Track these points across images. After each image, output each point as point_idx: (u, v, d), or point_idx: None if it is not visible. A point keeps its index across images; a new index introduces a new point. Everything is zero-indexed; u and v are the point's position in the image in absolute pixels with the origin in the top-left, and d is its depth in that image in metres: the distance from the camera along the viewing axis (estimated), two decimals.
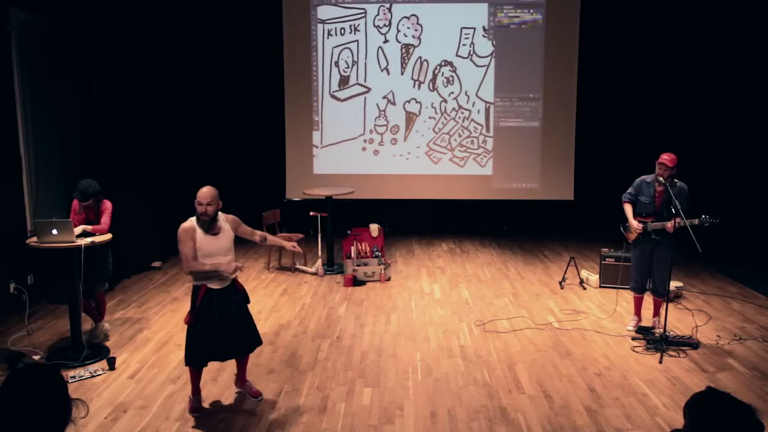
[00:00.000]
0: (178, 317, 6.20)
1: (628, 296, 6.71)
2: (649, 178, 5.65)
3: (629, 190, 5.77)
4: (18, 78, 6.60)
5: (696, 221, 5.31)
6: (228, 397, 4.51)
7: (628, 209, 5.72)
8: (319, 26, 9.82)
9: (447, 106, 9.92)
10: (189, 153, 9.04)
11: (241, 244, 9.29)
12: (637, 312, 5.95)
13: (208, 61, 9.55)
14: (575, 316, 6.21)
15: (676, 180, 5.50)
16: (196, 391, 4.37)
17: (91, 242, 5.14)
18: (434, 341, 5.58)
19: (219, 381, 4.77)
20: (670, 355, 5.19)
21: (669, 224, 5.41)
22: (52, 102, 7.08)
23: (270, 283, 7.41)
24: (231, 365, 5.08)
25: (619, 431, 4.04)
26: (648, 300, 5.93)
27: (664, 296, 5.57)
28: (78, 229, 5.23)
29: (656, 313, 5.80)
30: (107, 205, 5.48)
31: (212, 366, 5.03)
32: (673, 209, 5.27)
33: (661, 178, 5.40)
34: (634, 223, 5.63)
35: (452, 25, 9.76)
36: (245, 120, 10.06)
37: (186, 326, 4.27)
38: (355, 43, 9.84)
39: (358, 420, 4.19)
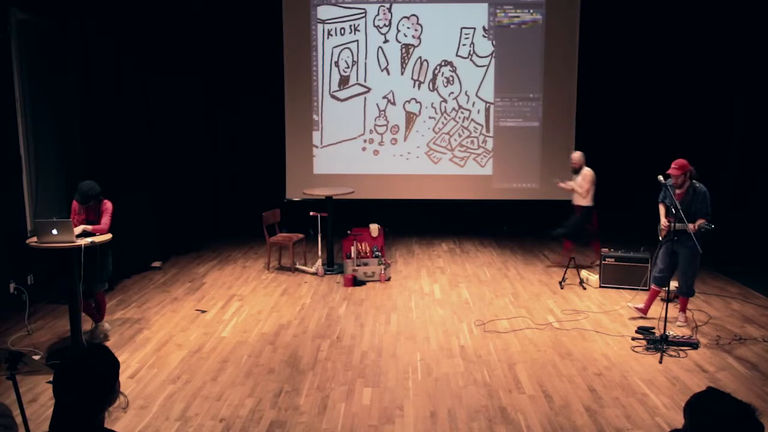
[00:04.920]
0: (178, 317, 6.20)
1: (628, 296, 6.72)
2: (670, 181, 5.85)
3: (661, 192, 5.96)
4: (18, 78, 6.59)
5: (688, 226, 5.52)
6: (228, 396, 4.51)
7: (661, 208, 5.96)
8: (319, 26, 9.82)
9: (447, 106, 9.92)
10: (189, 153, 9.04)
11: (242, 243, 9.34)
12: (648, 301, 6.10)
13: (208, 61, 9.56)
14: (575, 316, 6.21)
15: (696, 183, 5.65)
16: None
17: (91, 242, 5.14)
18: (434, 341, 5.58)
19: (219, 381, 4.77)
20: (670, 355, 5.19)
21: (690, 226, 5.55)
22: (52, 102, 7.08)
23: (270, 283, 7.41)
24: (231, 370, 5.09)
25: (619, 431, 4.04)
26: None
27: (687, 295, 5.89)
28: (78, 229, 5.23)
29: (682, 309, 6.01)
30: (107, 205, 5.49)
31: (212, 366, 5.04)
32: (677, 212, 5.41)
33: (674, 185, 5.69)
34: (663, 221, 5.88)
35: (452, 25, 9.76)
36: (245, 120, 10.06)
37: None
38: (355, 43, 9.85)
39: (358, 420, 4.19)
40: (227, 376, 4.84)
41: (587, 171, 7.76)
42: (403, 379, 4.80)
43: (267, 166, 10.07)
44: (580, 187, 7.75)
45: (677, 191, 5.73)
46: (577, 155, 7.88)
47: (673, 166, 5.64)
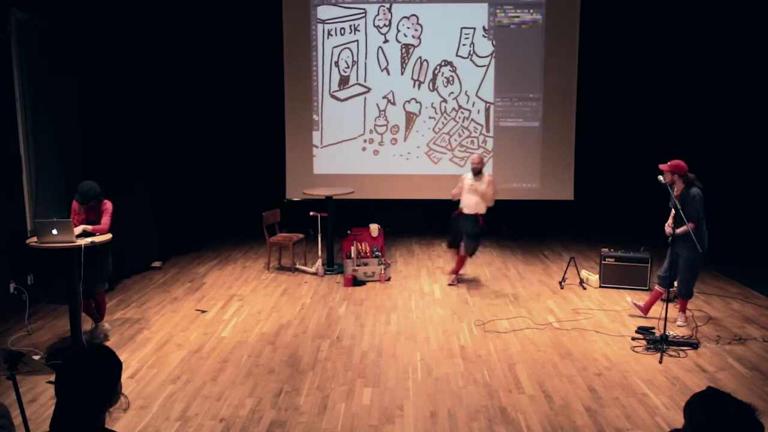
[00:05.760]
0: (178, 317, 6.20)
1: (628, 296, 6.72)
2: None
3: None
4: (18, 78, 6.59)
5: (677, 230, 5.64)
6: (228, 396, 4.51)
7: (672, 211, 5.97)
8: (319, 26, 9.82)
9: (447, 106, 9.92)
10: (189, 153, 9.04)
11: (242, 243, 9.34)
12: (649, 301, 6.11)
13: (208, 61, 9.56)
14: (575, 316, 6.21)
15: (694, 185, 5.66)
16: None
17: (91, 242, 5.14)
18: (434, 341, 5.58)
19: (219, 381, 4.77)
20: (670, 355, 5.20)
21: (668, 230, 5.69)
22: (52, 102, 7.08)
23: (270, 283, 7.41)
24: (231, 370, 5.10)
25: (619, 431, 4.04)
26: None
27: (684, 297, 5.89)
28: (78, 229, 5.23)
29: (681, 309, 6.01)
30: (108, 205, 5.49)
31: (212, 366, 5.04)
32: (678, 212, 5.44)
33: (665, 184, 5.70)
34: (668, 221, 5.90)
35: (452, 25, 9.76)
36: (245, 120, 10.06)
37: None
38: (355, 43, 9.84)
39: (358, 420, 4.19)
40: (227, 376, 4.85)
41: (489, 175, 7.15)
42: (403, 379, 4.80)
43: (267, 166, 10.07)
44: (486, 194, 7.02)
45: (675, 194, 5.76)
46: (480, 156, 7.13)
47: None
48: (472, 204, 7.07)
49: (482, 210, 7.10)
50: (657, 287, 6.04)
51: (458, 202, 7.26)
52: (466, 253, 7.18)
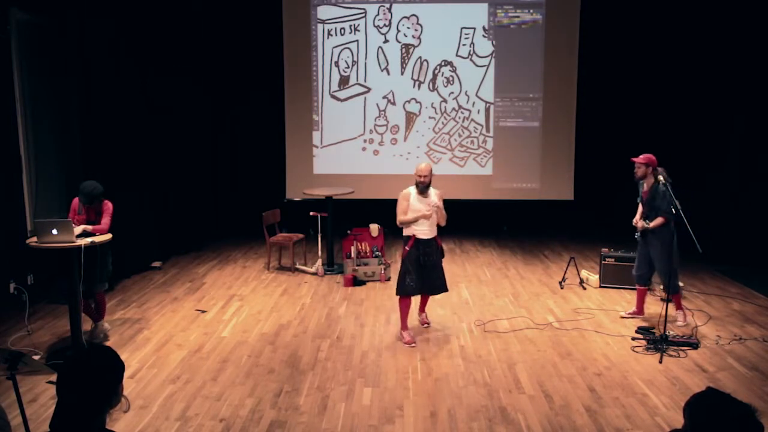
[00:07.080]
0: (178, 317, 6.20)
1: (628, 296, 6.72)
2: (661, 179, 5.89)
3: None
4: (18, 78, 6.59)
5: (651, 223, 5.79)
6: (228, 396, 4.51)
7: (640, 207, 6.07)
8: (319, 26, 9.82)
9: (447, 106, 9.92)
10: (189, 153, 9.04)
11: (242, 243, 9.34)
12: (638, 302, 6.13)
13: (208, 61, 9.55)
14: (575, 316, 6.21)
15: (662, 181, 5.66)
16: (405, 327, 5.52)
17: (91, 242, 5.14)
18: (434, 341, 5.58)
19: (219, 381, 4.77)
20: (670, 355, 5.19)
21: (640, 223, 5.91)
22: (52, 102, 7.08)
23: (270, 283, 7.41)
24: (231, 370, 5.10)
25: (619, 431, 4.04)
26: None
27: (669, 292, 5.85)
28: (78, 229, 5.23)
29: (678, 307, 6.00)
30: (108, 205, 5.49)
31: (212, 366, 5.04)
32: (673, 209, 5.42)
33: (636, 177, 5.90)
34: (636, 217, 6.05)
35: (452, 25, 9.76)
36: (245, 120, 10.06)
37: None
38: (355, 43, 9.84)
39: (358, 420, 4.19)
40: (227, 376, 4.84)
41: (437, 192, 5.66)
42: (403, 379, 4.80)
43: (267, 166, 10.07)
44: (440, 209, 5.59)
45: (644, 188, 5.85)
46: (429, 166, 5.54)
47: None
48: (426, 227, 5.65)
49: (434, 233, 5.74)
50: (638, 286, 6.10)
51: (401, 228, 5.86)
52: (430, 293, 5.79)
